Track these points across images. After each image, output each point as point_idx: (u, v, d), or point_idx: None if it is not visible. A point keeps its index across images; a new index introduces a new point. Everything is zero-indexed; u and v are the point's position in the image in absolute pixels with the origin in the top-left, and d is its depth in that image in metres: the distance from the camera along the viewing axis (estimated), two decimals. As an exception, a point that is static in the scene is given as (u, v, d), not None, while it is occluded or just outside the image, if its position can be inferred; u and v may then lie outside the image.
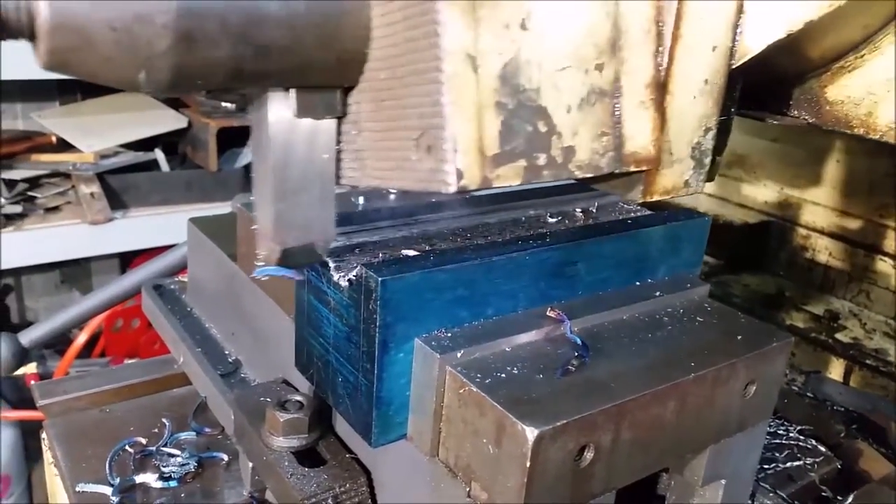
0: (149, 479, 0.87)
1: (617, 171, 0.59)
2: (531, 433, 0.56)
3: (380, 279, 0.62)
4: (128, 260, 3.02)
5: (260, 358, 0.97)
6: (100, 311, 1.36)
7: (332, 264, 0.68)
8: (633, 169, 0.61)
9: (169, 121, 2.73)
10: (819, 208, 1.63)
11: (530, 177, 0.55)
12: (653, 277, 0.83)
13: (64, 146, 2.66)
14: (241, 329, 1.02)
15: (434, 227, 0.79)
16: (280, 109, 0.57)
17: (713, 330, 0.75)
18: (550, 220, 0.84)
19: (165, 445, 0.93)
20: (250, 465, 0.83)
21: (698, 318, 0.77)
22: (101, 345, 2.87)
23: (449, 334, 0.67)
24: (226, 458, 0.92)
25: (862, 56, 0.76)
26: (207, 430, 0.97)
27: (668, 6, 0.57)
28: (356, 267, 0.66)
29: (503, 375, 0.63)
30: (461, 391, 0.62)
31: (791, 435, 1.06)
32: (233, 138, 2.76)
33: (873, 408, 1.32)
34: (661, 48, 0.58)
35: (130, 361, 1.13)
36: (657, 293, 0.79)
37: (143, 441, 0.93)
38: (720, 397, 0.71)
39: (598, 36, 0.54)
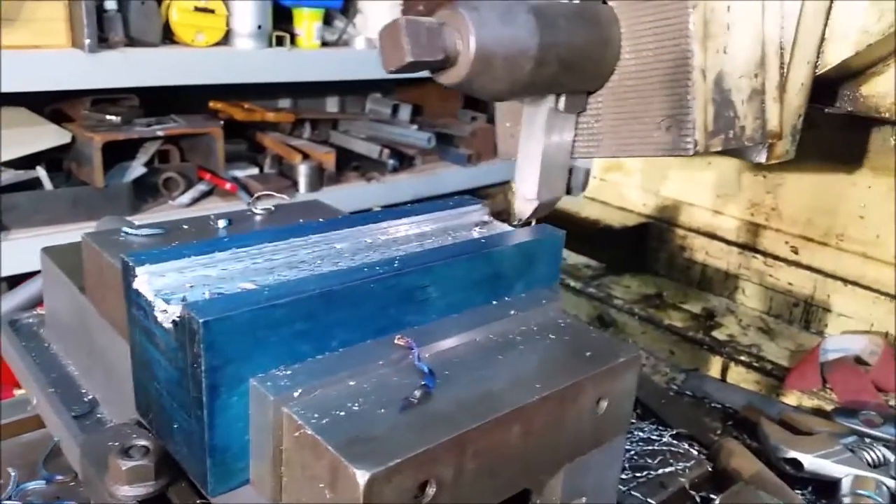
0: (-10, 536, 0.82)
1: (762, 142, 0.88)
2: (362, 476, 0.54)
3: (201, 320, 0.59)
4: (14, 284, 2.86)
5: (115, 396, 0.92)
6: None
7: (156, 304, 0.64)
8: (769, 141, 0.89)
9: (51, 136, 2.59)
10: (694, 209, 1.68)
11: (725, 145, 0.82)
12: (509, 295, 0.82)
13: (-67, 166, 2.49)
14: (95, 365, 0.97)
15: (281, 257, 0.76)
16: (550, 106, 0.83)
17: (563, 348, 0.75)
18: (402, 244, 0.82)
19: (9, 498, 0.87)
20: (97, 515, 0.78)
21: (550, 336, 0.77)
22: (-13, 375, 2.71)
23: (288, 372, 0.64)
24: (76, 507, 0.87)
25: (888, 63, 1.07)
26: (59, 477, 0.91)
27: (787, 36, 0.88)
28: (180, 306, 0.63)
29: (342, 413, 0.61)
30: (297, 434, 0.60)
31: (665, 440, 1.08)
32: (120, 152, 2.64)
33: (748, 403, 1.36)
34: (783, 63, 0.88)
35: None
36: (511, 312, 0.79)
37: (-15, 495, 0.87)
38: (569, 416, 0.71)
39: (755, 56, 0.84)
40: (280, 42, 2.71)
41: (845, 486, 1.11)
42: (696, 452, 1.08)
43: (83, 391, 0.99)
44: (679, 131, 0.78)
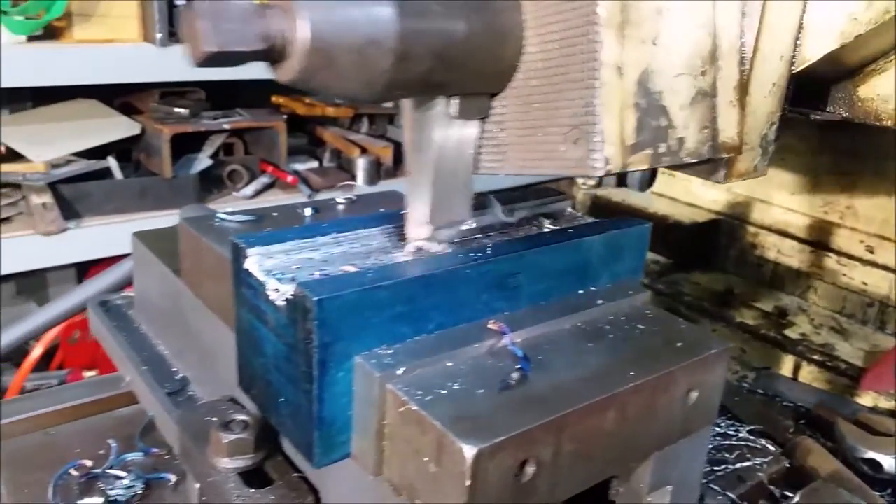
0: (94, 503, 0.86)
1: (713, 157, 0.71)
2: (469, 451, 0.56)
3: (315, 299, 0.62)
4: (84, 269, 2.97)
5: (207, 375, 0.96)
6: (52, 326, 1.34)
7: (268, 283, 0.67)
8: (723, 156, 0.73)
9: (122, 128, 2.68)
10: (767, 206, 1.66)
11: (654, 163, 0.66)
12: (595, 285, 0.83)
13: (13, 156, 2.60)
14: (187, 346, 1.00)
15: (376, 242, 0.78)
16: (442, 111, 0.68)
17: (653, 338, 0.76)
18: (489, 232, 0.83)
19: (111, 468, 0.91)
20: (197, 485, 0.82)
21: (639, 326, 0.78)
22: (59, 357, 2.81)
23: (390, 351, 0.67)
24: (173, 478, 0.91)
25: (890, 60, 0.89)
26: (155, 450, 0.95)
27: (750, 25, 0.71)
28: (292, 286, 0.66)
29: (444, 392, 0.63)
30: (402, 409, 0.62)
31: (741, 435, 1.08)
32: (187, 144, 2.72)
33: (821, 402, 1.35)
34: (744, 58, 0.72)
35: (75, 382, 1.10)
36: (599, 301, 0.80)
37: (89, 464, 0.91)
38: (661, 405, 0.71)
39: (703, 49, 0.67)
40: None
41: (926, 488, 1.09)
42: (773, 448, 1.07)
43: (174, 370, 1.03)
44: (587, 145, 0.62)
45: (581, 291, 0.82)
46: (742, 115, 0.72)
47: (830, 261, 1.60)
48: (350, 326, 0.64)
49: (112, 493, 0.87)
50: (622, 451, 0.70)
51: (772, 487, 1.00)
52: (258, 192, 2.81)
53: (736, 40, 0.70)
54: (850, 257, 1.58)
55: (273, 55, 0.56)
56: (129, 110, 2.74)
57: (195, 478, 0.82)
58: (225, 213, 0.98)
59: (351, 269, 0.71)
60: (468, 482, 0.57)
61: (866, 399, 1.39)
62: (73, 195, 2.54)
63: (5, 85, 2.30)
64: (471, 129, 0.70)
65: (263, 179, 2.85)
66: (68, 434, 0.99)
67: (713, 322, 1.56)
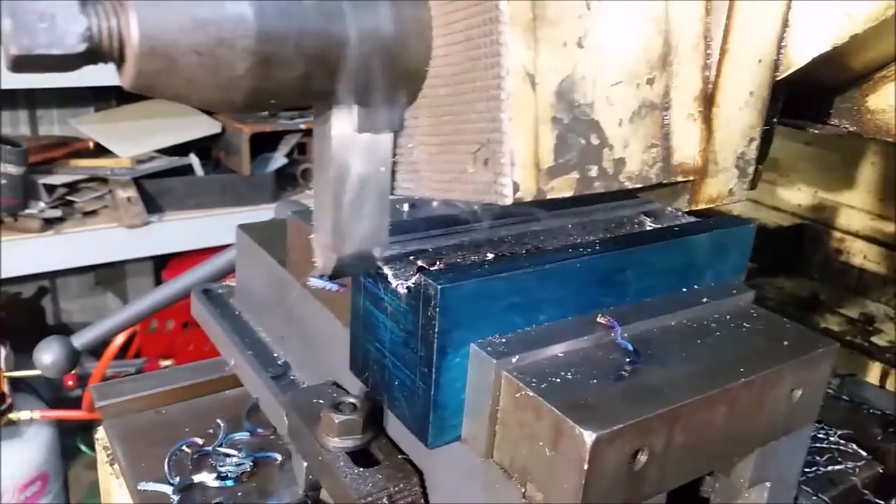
0: (206, 478, 0.90)
1: (665, 181, 0.62)
2: (589, 437, 0.58)
3: (439, 287, 0.65)
4: (161, 263, 3.08)
5: (309, 361, 1.00)
6: (147, 316, 1.40)
7: (390, 272, 0.71)
8: (680, 179, 0.63)
9: (203, 126, 2.79)
10: (853, 211, 1.63)
11: (582, 188, 0.58)
12: (699, 284, 0.84)
13: (101, 151, 2.72)
14: (290, 333, 1.05)
15: (483, 235, 0.81)
16: (342, 124, 0.59)
17: (760, 336, 0.77)
18: (592, 228, 0.85)
19: (221, 445, 0.96)
20: (305, 465, 0.86)
21: (745, 325, 0.79)
22: (136, 346, 2.93)
23: (503, 340, 0.69)
24: (279, 457, 0.95)
25: None
26: (260, 430, 1.00)
27: (717, 21, 0.59)
28: (415, 274, 0.69)
29: (557, 380, 0.65)
30: (517, 395, 0.65)
31: (831, 439, 1.07)
32: (265, 143, 2.80)
33: (911, 412, 1.32)
34: (709, 62, 0.60)
35: (183, 365, 1.16)
36: (704, 299, 0.81)
37: (200, 441, 0.97)
38: (767, 402, 0.72)
39: (650, 52, 0.57)
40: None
41: None
42: (864, 454, 1.06)
43: (275, 355, 1.07)
44: (494, 167, 0.54)
45: (685, 289, 0.83)
46: (706, 130, 0.62)
47: (919, 268, 1.56)
48: (468, 314, 0.67)
49: (223, 469, 0.91)
50: (728, 445, 0.72)
51: (865, 492, 0.99)
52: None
53: (696, 40, 0.59)
54: (942, 265, 1.54)
55: (103, 58, 0.49)
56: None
57: (303, 457, 0.86)
58: (328, 206, 1.02)
59: (466, 260, 0.73)
60: (586, 466, 0.59)
61: (957, 410, 1.35)
62: (156, 190, 2.65)
63: (90, 84, 2.41)
64: (383, 145, 0.60)
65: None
66: (179, 413, 1.04)
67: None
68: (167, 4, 0.48)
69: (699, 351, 0.73)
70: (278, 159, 2.88)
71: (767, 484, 0.79)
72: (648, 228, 0.87)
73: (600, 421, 0.60)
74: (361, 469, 0.79)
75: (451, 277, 0.67)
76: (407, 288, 0.68)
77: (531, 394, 0.63)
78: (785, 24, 0.64)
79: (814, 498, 0.93)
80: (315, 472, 0.84)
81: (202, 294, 1.23)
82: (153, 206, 2.63)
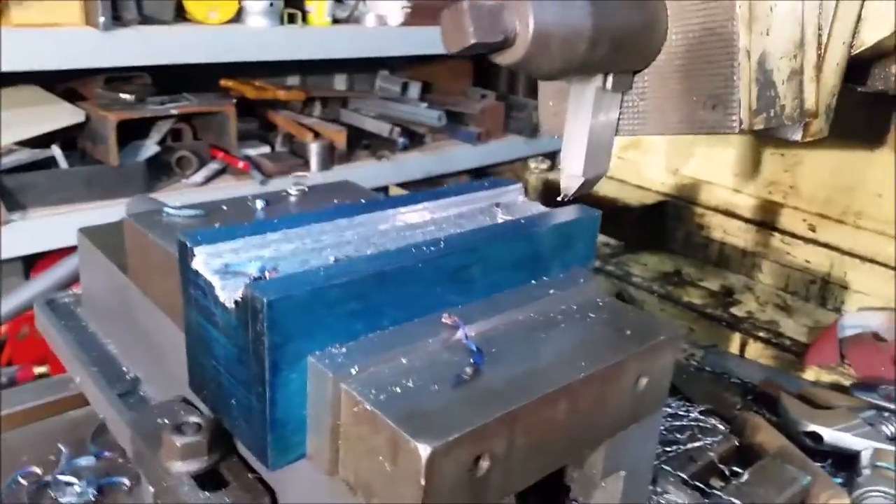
0: (45, 510, 0.84)
1: (799, 121, 0.89)
2: (424, 450, 0.57)
3: (265, 299, 0.61)
4: (31, 262, 2.89)
5: (158, 374, 0.95)
6: (6, 321, 1.30)
7: (218, 283, 0.66)
8: (807, 120, 0.90)
9: (65, 115, 2.60)
10: (713, 187, 1.70)
11: (767, 124, 0.83)
12: (547, 275, 0.84)
13: (-50, 147, 2.50)
14: (137, 345, 0.99)
15: (328, 238, 0.77)
16: (596, 87, 0.83)
17: (604, 326, 0.77)
18: (442, 224, 0.84)
19: (62, 473, 0.90)
20: (152, 490, 0.81)
21: (590, 315, 0.79)
22: (6, 354, 2.74)
23: (343, 350, 0.66)
24: (128, 482, 0.90)
25: None
26: (107, 453, 0.94)
27: (826, 17, 0.89)
28: (241, 286, 0.65)
29: (398, 389, 0.63)
30: (355, 409, 0.62)
31: (692, 415, 1.11)
32: (134, 131, 2.65)
33: (766, 379, 1.39)
34: (821, 44, 0.89)
35: (24, 385, 1.07)
36: (551, 291, 0.81)
37: (39, 471, 0.90)
38: (611, 394, 0.73)
39: (794, 37, 0.85)
40: (292, 19, 2.70)
41: (865, 458, 1.14)
42: (723, 428, 1.10)
43: (124, 369, 1.01)
44: (725, 110, 0.80)
45: (534, 282, 0.83)
46: (818, 88, 0.90)
47: (775, 240, 1.64)
48: (302, 326, 0.64)
49: (64, 501, 0.85)
50: (574, 440, 0.72)
51: (722, 466, 1.03)
52: (209, 179, 2.76)
53: (816, 31, 0.88)
54: (794, 236, 1.62)
55: (505, 45, 0.70)
56: (72, 97, 2.66)
57: (149, 482, 0.81)
58: (172, 207, 0.96)
59: (300, 267, 0.70)
60: (423, 481, 0.57)
61: (810, 374, 1.43)
62: (16, 186, 2.46)
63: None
64: (616, 100, 0.86)
65: (214, 166, 2.80)
66: (18, 440, 0.96)
67: (662, 302, 1.59)
68: (548, 7, 0.70)
69: (542, 346, 0.72)
70: (150, 147, 2.73)
71: (622, 473, 0.80)
72: (499, 222, 0.86)
73: (436, 431, 0.58)
74: (208, 494, 0.75)
75: (280, 287, 0.63)
76: (234, 301, 0.64)
77: (368, 407, 0.61)
78: (859, 17, 0.94)
79: (671, 478, 0.95)
80: (161, 498, 0.79)
81: (45, 306, 1.14)
82: (14, 203, 2.44)
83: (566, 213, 0.87)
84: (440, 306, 0.74)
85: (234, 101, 2.80)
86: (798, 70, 0.87)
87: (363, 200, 0.95)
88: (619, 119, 0.88)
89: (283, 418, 0.66)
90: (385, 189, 3.18)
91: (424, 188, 3.15)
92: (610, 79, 0.83)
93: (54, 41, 2.24)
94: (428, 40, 3.02)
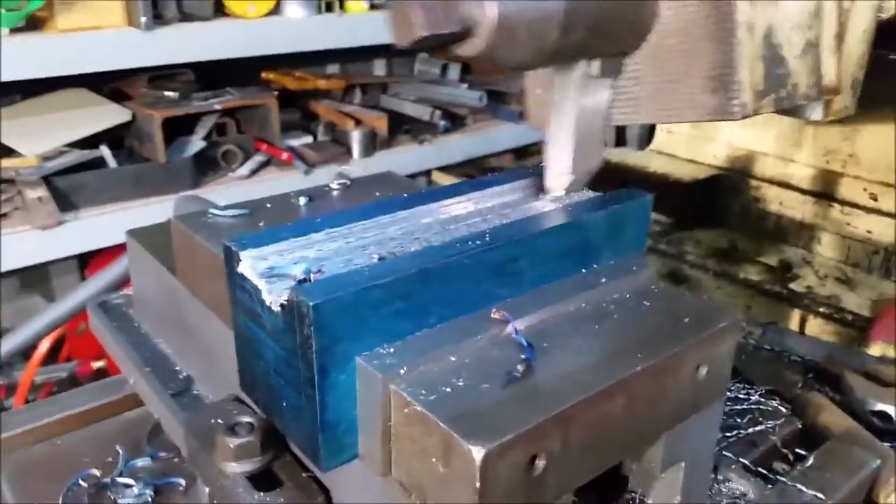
0: (105, 512, 0.86)
1: (818, 98, 0.81)
2: (478, 452, 0.55)
3: (311, 303, 0.60)
4: (86, 260, 2.96)
5: (210, 373, 0.95)
6: (53, 330, 1.33)
7: (264, 287, 0.66)
8: (826, 97, 0.82)
9: (112, 115, 2.65)
10: (767, 158, 1.64)
11: (777, 105, 0.75)
12: (598, 263, 0.81)
13: (6, 151, 2.57)
14: (188, 344, 0.99)
15: (371, 235, 0.76)
16: (582, 74, 0.76)
17: (660, 315, 0.74)
18: (487, 215, 0.81)
19: (120, 475, 0.91)
20: (207, 490, 0.82)
21: (644, 303, 0.76)
22: (66, 349, 2.82)
23: (391, 350, 0.65)
24: (184, 482, 0.90)
25: None
26: (163, 454, 0.95)
27: None
28: (286, 289, 0.64)
29: (448, 389, 0.62)
30: (406, 410, 0.61)
31: (753, 398, 1.07)
32: (179, 127, 2.69)
33: (829, 355, 1.34)
34: (842, 10, 0.80)
35: (81, 387, 1.09)
36: (602, 280, 0.78)
37: (98, 473, 0.91)
38: (670, 385, 0.70)
39: (809, 6, 0.76)
40: (329, 7, 2.70)
41: (938, 438, 1.09)
42: (784, 410, 1.07)
43: (177, 369, 1.02)
44: (726, 93, 0.72)
45: (584, 271, 0.80)
46: (839, 61, 0.81)
47: (834, 211, 1.58)
48: (349, 328, 0.63)
49: (122, 502, 0.86)
50: (633, 434, 0.70)
51: (785, 450, 1.00)
52: (254, 172, 2.79)
53: None
54: (854, 206, 1.56)
55: (464, 35, 0.64)
56: (118, 97, 2.71)
57: (204, 482, 0.82)
58: (218, 208, 0.96)
59: (345, 267, 0.69)
60: (478, 483, 0.56)
61: (875, 349, 1.38)
62: (67, 187, 2.52)
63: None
64: (605, 87, 0.78)
65: (258, 158, 2.82)
66: (76, 442, 0.98)
67: (717, 280, 1.55)
68: None
69: (596, 338, 0.70)
70: (196, 143, 2.76)
71: (682, 464, 0.78)
72: (546, 209, 0.84)
73: (490, 432, 0.57)
74: (262, 494, 0.75)
75: (325, 290, 0.62)
76: (280, 305, 0.64)
77: (419, 408, 0.60)
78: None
79: (733, 466, 0.92)
80: (217, 498, 0.80)
81: (97, 308, 1.16)
82: (67, 203, 2.50)
83: (616, 198, 0.84)
84: (488, 301, 0.73)
85: (276, 92, 2.81)
86: (814, 42, 0.77)
87: (405, 193, 0.93)
88: (611, 107, 0.81)
89: (334, 420, 0.65)
90: (428, 173, 3.16)
91: (470, 171, 3.13)
92: (596, 64, 0.76)
93: (98, 44, 2.27)
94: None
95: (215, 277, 0.85)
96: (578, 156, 0.80)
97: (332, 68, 3.33)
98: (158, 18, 2.33)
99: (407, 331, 0.67)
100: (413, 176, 3.11)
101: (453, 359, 0.66)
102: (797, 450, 1.03)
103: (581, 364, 0.66)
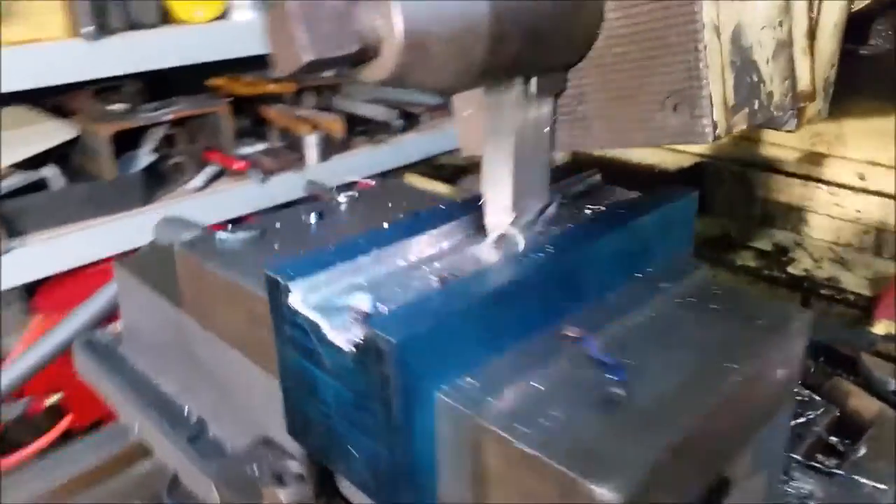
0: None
1: (793, 108, 0.71)
2: (616, 498, 0.49)
3: (394, 340, 0.54)
4: (33, 289, 2.78)
5: (228, 414, 0.87)
6: (30, 377, 1.21)
7: (325, 323, 0.59)
8: (801, 105, 0.71)
9: (57, 133, 2.48)
10: (752, 143, 1.63)
11: (751, 121, 0.64)
12: (649, 266, 0.77)
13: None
14: (198, 382, 0.91)
15: (418, 254, 0.70)
16: (517, 93, 0.63)
17: (732, 318, 0.70)
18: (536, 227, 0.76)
19: (144, 536, 0.83)
20: (252, 545, 0.74)
21: (713, 307, 0.72)
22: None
23: (472, 381, 0.59)
24: (217, 536, 0.82)
25: None
26: (186, 505, 0.87)
27: None
28: (351, 324, 0.57)
29: (546, 422, 0.56)
30: (504, 449, 0.55)
31: (785, 390, 1.05)
32: (130, 141, 2.54)
33: (837, 337, 1.33)
34: (813, 3, 0.71)
35: (83, 439, 0.99)
36: (661, 284, 0.74)
37: (118, 534, 0.82)
38: (758, 391, 0.67)
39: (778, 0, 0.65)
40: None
41: (965, 413, 1.08)
42: (819, 399, 1.04)
43: (186, 412, 0.93)
44: (691, 111, 0.59)
45: (639, 275, 0.76)
46: (812, 60, 0.70)
47: (822, 192, 1.58)
48: (429, 363, 0.57)
49: (153, 563, 0.78)
50: (727, 448, 0.65)
51: (833, 440, 0.97)
52: (207, 183, 2.66)
53: None
54: (842, 186, 1.56)
55: (365, 55, 0.51)
56: (62, 113, 2.54)
57: (249, 537, 0.74)
58: (225, 231, 0.88)
59: (409, 295, 0.62)
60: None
61: (880, 328, 1.38)
62: (13, 211, 2.35)
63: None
64: (546, 107, 0.66)
65: (210, 169, 2.70)
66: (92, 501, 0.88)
67: (715, 267, 1.53)
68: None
69: (677, 350, 0.65)
70: (144, 157, 2.62)
71: (764, 471, 0.74)
72: (590, 213, 0.79)
73: (617, 473, 0.50)
74: (321, 545, 0.68)
75: (402, 324, 0.56)
76: (354, 344, 0.57)
77: (521, 447, 0.54)
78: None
79: (793, 464, 0.89)
80: (265, 553, 0.72)
81: (86, 348, 1.06)
82: (13, 229, 2.34)
83: (662, 197, 0.80)
84: (554, 316, 0.67)
85: (228, 100, 2.69)
86: (786, 41, 0.66)
87: (419, 203, 0.87)
88: (554, 129, 0.68)
89: (415, 465, 0.59)
90: (386, 174, 3.09)
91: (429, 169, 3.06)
92: (533, 81, 0.63)
93: (42, 57, 2.12)
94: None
95: (233, 307, 0.78)
96: (520, 189, 0.68)
97: (281, 72, 3.21)
98: (103, 27, 2.19)
99: (481, 358, 0.61)
100: (372, 178, 3.04)
101: (538, 385, 0.60)
102: (833, 438, 1.01)
103: (674, 380, 0.61)
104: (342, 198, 0.99)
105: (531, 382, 0.60)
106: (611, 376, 0.61)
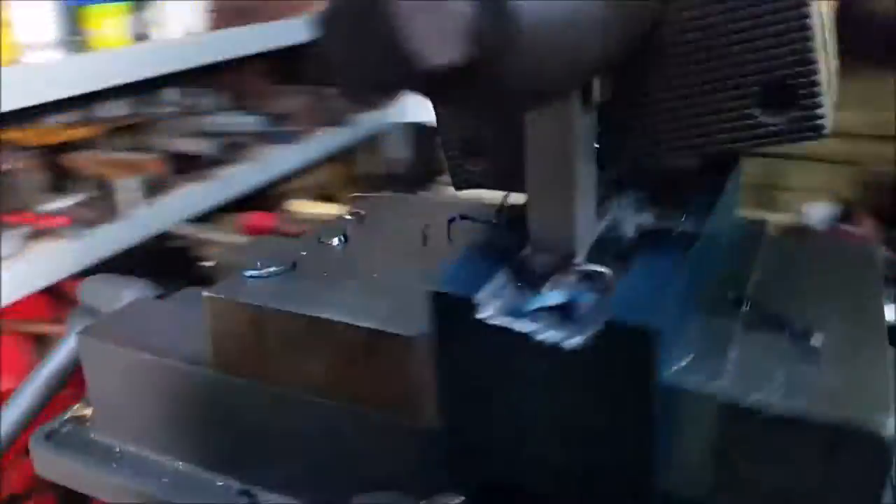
0: None
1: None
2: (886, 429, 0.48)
3: (653, 325, 0.48)
4: None
5: (298, 476, 0.74)
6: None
7: (537, 330, 0.52)
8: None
9: None
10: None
11: (836, 117, 0.55)
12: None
13: None
14: (238, 448, 0.77)
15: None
16: (575, 103, 0.52)
17: (849, 269, 0.72)
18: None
19: None
20: None
21: (814, 256, 0.75)
22: None
23: (693, 359, 0.55)
24: None
25: None
26: None
27: None
28: (561, 325, 0.51)
29: (779, 386, 0.53)
30: (759, 420, 0.52)
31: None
32: None
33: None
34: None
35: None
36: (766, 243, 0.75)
37: None
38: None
39: None
40: (78, 48, 2.32)
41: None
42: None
43: (219, 485, 0.78)
44: (800, 101, 0.51)
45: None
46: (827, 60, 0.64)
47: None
48: (671, 344, 0.52)
49: None
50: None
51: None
52: (17, 250, 2.30)
53: None
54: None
55: (478, 65, 0.38)
56: None
57: None
58: (252, 270, 0.75)
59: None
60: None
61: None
62: None
63: None
64: (591, 117, 0.55)
65: (20, 232, 2.33)
66: None
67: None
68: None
69: (816, 293, 0.66)
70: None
71: None
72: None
73: (879, 411, 0.50)
74: None
75: (642, 301, 0.50)
76: (593, 337, 0.50)
77: (786, 415, 0.51)
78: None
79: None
80: None
81: (45, 441, 0.86)
82: None
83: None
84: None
85: (26, 154, 2.35)
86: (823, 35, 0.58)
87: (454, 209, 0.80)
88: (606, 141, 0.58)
89: (671, 464, 0.53)
90: (219, 211, 2.88)
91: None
92: (596, 84, 0.53)
93: None
94: (236, 42, 2.77)
95: (307, 349, 0.68)
96: (585, 223, 0.58)
97: (105, 110, 2.86)
98: None
99: (683, 328, 0.57)
100: (206, 216, 2.84)
101: (746, 352, 0.57)
102: None
103: (837, 322, 0.61)
104: (348, 216, 0.90)
105: (736, 351, 0.57)
106: (792, 330, 0.60)
